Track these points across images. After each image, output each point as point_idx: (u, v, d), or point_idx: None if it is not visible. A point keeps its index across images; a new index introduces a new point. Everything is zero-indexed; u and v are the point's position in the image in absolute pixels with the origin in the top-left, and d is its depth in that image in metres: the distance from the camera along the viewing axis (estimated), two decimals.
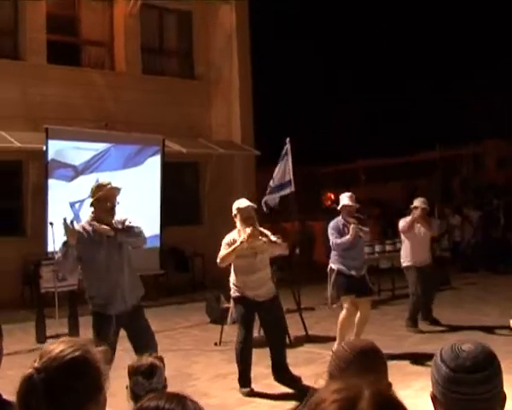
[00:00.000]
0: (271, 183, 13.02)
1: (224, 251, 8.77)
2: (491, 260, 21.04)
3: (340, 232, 10.40)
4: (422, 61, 43.11)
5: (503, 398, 2.35)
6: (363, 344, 3.15)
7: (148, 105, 18.90)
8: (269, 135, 18.35)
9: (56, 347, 2.25)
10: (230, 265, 8.98)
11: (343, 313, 10.29)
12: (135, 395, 4.14)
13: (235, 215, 8.89)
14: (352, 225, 10.32)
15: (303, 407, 1.54)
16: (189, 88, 20.64)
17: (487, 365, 2.34)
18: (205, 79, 21.20)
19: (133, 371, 4.24)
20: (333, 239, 10.41)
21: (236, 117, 20.95)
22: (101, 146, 16.39)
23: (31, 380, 2.14)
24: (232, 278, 8.99)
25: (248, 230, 8.60)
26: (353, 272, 10.34)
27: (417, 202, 12.39)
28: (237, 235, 8.80)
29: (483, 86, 38.99)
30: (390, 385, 3.01)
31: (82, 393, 2.17)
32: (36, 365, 2.19)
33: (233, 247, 8.68)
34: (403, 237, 12.55)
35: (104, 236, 7.36)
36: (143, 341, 7.35)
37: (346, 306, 10.31)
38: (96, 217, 7.44)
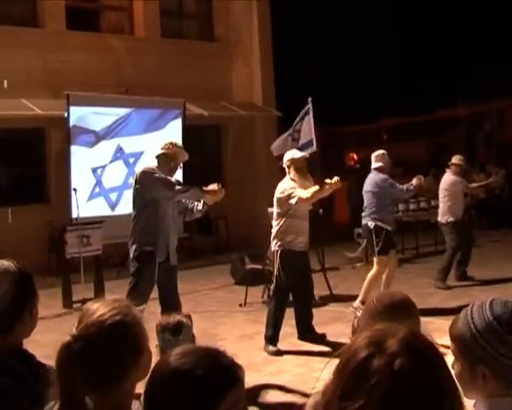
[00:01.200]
0: (297, 141, 12.91)
1: (308, 191, 8.57)
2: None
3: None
4: (446, 19, 42.59)
5: None
6: (393, 297, 3.09)
7: (168, 69, 18.83)
8: (290, 95, 18.22)
9: (96, 310, 2.22)
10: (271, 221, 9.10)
11: (375, 270, 10.39)
12: (163, 352, 4.19)
13: (289, 166, 8.94)
14: (415, 178, 10.56)
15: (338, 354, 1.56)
16: (209, 50, 20.52)
17: None
18: (225, 40, 21.08)
19: (161, 329, 4.30)
20: (398, 188, 10.56)
21: (257, 78, 20.84)
22: (122, 111, 16.39)
23: (68, 348, 2.13)
24: (280, 231, 8.89)
25: (331, 180, 8.57)
26: (390, 228, 10.51)
27: (455, 159, 12.55)
28: (292, 183, 8.79)
29: (505, 42, 38.52)
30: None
31: (122, 359, 2.17)
32: (74, 332, 2.17)
33: (320, 189, 8.56)
34: (445, 193, 12.51)
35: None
36: (170, 297, 7.54)
37: (379, 264, 10.38)
38: (159, 170, 7.65)
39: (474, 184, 13.65)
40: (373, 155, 10.89)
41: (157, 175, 7.65)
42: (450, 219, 12.35)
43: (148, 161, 15.86)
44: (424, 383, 1.40)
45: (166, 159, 7.74)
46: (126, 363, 2.18)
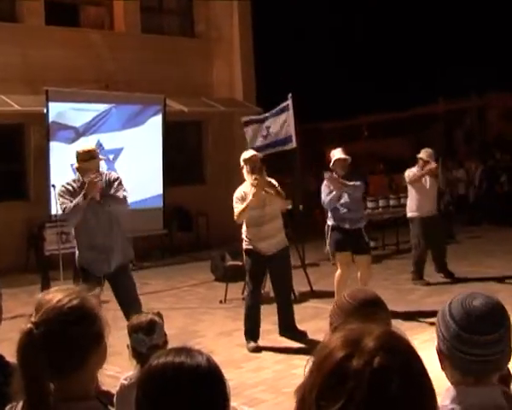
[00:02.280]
0: (264, 137, 12.85)
1: (238, 207, 8.69)
2: (494, 213, 21.04)
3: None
4: (426, 15, 42.71)
5: (510, 351, 2.30)
6: (365, 294, 3.12)
7: (148, 64, 18.74)
8: (271, 91, 18.20)
9: (53, 297, 2.22)
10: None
11: (337, 272, 10.07)
12: (137, 353, 4.16)
13: (243, 167, 8.88)
14: (330, 175, 10.10)
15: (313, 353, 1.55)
16: (190, 46, 20.46)
17: (500, 325, 2.26)
18: (205, 36, 21.02)
19: (133, 329, 4.25)
20: (323, 198, 10.14)
21: (238, 74, 20.81)
22: (101, 107, 16.30)
23: (30, 335, 2.12)
24: (244, 231, 8.95)
25: (253, 178, 8.53)
26: (347, 226, 10.01)
27: (423, 154, 12.35)
28: (247, 188, 8.74)
29: (485, 38, 38.71)
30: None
31: (82, 342, 2.16)
32: (33, 319, 2.16)
33: (245, 203, 8.59)
34: (409, 187, 12.50)
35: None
36: (127, 299, 7.44)
37: (339, 263, 10.09)
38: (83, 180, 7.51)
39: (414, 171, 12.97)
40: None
41: (59, 198, 7.55)
42: (411, 214, 12.32)
43: (128, 157, 15.86)
44: (402, 380, 1.40)
45: (85, 171, 7.53)
46: (88, 347, 2.18)
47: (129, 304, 7.24)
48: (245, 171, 8.84)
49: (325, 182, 10.21)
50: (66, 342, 2.14)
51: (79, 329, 2.16)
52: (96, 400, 2.25)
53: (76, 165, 7.54)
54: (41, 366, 2.09)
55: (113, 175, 7.86)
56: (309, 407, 1.44)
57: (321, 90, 39.78)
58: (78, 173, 7.61)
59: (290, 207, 9.41)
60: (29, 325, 2.14)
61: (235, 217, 8.71)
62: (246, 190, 8.76)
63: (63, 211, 7.54)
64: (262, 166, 8.94)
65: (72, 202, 7.38)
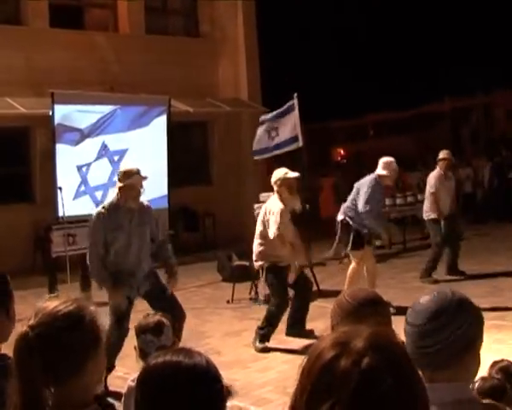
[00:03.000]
0: (272, 139, 12.85)
1: (280, 232, 8.65)
2: (501, 211, 20.98)
3: (376, 194, 10.38)
4: (433, 15, 42.64)
5: (465, 347, 2.26)
6: (365, 294, 3.11)
7: (153, 65, 18.75)
8: (277, 92, 18.19)
9: (50, 303, 2.24)
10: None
11: (353, 266, 10.39)
12: (144, 354, 4.13)
13: (280, 185, 8.85)
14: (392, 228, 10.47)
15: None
16: (195, 46, 20.46)
17: (431, 318, 2.26)
18: (210, 36, 21.02)
19: (141, 330, 4.24)
20: (367, 203, 10.22)
21: (243, 74, 20.80)
22: (106, 108, 16.31)
23: (26, 338, 2.13)
24: (264, 247, 8.88)
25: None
26: (366, 231, 10.38)
27: (443, 154, 12.60)
28: (281, 204, 8.75)
29: (490, 36, 38.63)
30: (393, 333, 2.99)
31: (78, 348, 2.17)
32: (30, 322, 2.17)
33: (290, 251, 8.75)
34: (429, 189, 12.55)
35: (127, 220, 7.37)
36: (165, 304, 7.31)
37: (355, 260, 10.39)
38: (122, 201, 7.42)
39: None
40: (380, 161, 10.72)
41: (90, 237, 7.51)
42: (432, 215, 12.40)
43: (133, 158, 15.86)
44: (391, 381, 1.39)
45: (127, 190, 7.42)
46: (84, 353, 2.18)
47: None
48: (282, 188, 8.83)
49: (372, 184, 10.33)
50: (61, 347, 2.14)
51: (75, 334, 2.17)
52: (94, 405, 2.25)
53: (119, 184, 7.46)
54: (36, 370, 2.09)
55: (152, 210, 7.83)
56: None
57: (327, 89, 39.78)
58: (117, 193, 7.50)
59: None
60: (25, 328, 2.16)
61: (278, 231, 8.64)
62: (278, 210, 8.73)
63: (91, 250, 7.44)
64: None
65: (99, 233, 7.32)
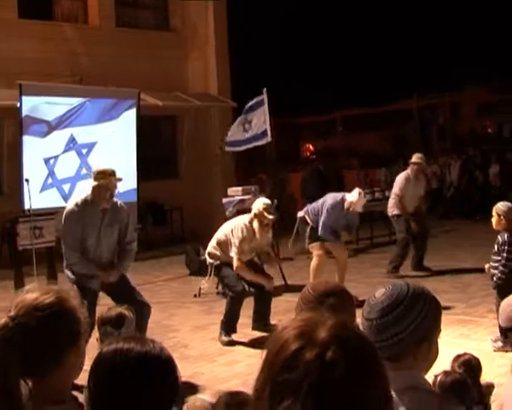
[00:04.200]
0: (246, 131, 12.88)
1: (240, 263, 8.78)
2: (467, 208, 21.21)
3: (335, 214, 10.54)
4: (402, 11, 42.87)
5: (421, 338, 2.29)
6: (327, 285, 3.14)
7: (122, 59, 18.67)
8: (247, 87, 18.21)
9: (31, 294, 2.23)
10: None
11: (313, 261, 10.62)
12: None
13: (256, 215, 8.88)
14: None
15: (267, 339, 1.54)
16: (165, 40, 20.40)
17: (385, 313, 2.29)
18: (180, 30, 20.97)
19: (102, 322, 4.25)
20: (325, 224, 10.46)
21: (213, 69, 20.78)
22: (75, 101, 16.18)
23: (5, 329, 2.12)
24: (217, 253, 9.01)
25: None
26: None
27: (415, 158, 12.72)
28: (248, 231, 8.83)
29: (460, 34, 38.92)
30: (357, 326, 3.02)
31: (58, 339, 2.16)
32: (11, 314, 2.17)
33: (252, 276, 8.91)
34: (395, 191, 12.66)
35: (98, 219, 7.41)
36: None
37: (315, 254, 10.59)
38: (94, 200, 7.43)
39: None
40: (356, 190, 10.88)
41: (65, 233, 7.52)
42: (395, 211, 12.52)
43: (102, 151, 15.73)
44: (355, 373, 1.39)
45: (100, 190, 7.46)
46: (64, 345, 2.18)
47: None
48: (255, 219, 8.86)
49: (332, 206, 10.52)
50: (41, 339, 2.13)
51: (55, 327, 2.16)
52: (72, 402, 2.25)
53: (94, 183, 7.47)
54: (13, 361, 2.07)
55: (127, 213, 7.84)
56: (263, 407, 1.42)
57: (296, 85, 39.86)
58: (91, 191, 7.51)
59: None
60: (5, 319, 2.14)
61: (237, 268, 8.80)
62: (246, 233, 8.82)
63: (65, 241, 7.45)
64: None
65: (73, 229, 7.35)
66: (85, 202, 7.44)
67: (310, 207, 10.88)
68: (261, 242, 9.05)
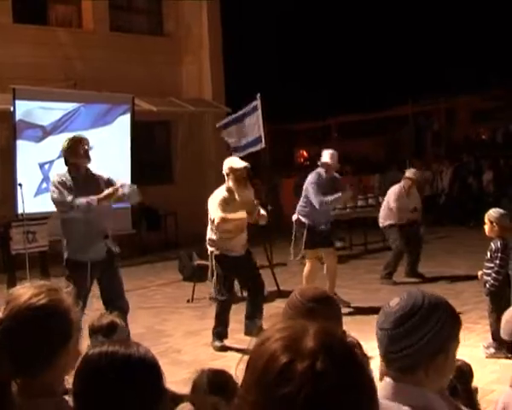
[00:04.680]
0: (237, 140, 12.88)
1: (222, 213, 8.52)
2: (461, 214, 21.24)
3: (321, 187, 10.39)
4: (397, 17, 42.93)
5: (437, 350, 2.23)
6: (314, 291, 3.14)
7: (117, 63, 18.68)
8: (241, 92, 18.21)
9: (23, 293, 2.21)
10: (208, 223, 8.94)
11: (306, 267, 10.54)
12: None
13: (228, 174, 8.64)
14: (347, 192, 10.78)
15: (249, 346, 1.53)
16: (159, 45, 20.42)
17: (400, 322, 2.24)
18: (174, 35, 20.99)
19: (93, 331, 4.24)
20: (317, 199, 10.28)
21: (207, 74, 20.81)
22: (70, 106, 16.17)
23: None
24: (214, 236, 8.83)
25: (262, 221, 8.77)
26: (323, 227, 10.50)
27: (409, 174, 12.85)
28: (227, 193, 8.59)
29: (456, 41, 39.01)
30: (344, 333, 3.02)
31: (50, 340, 2.15)
32: (1, 315, 2.16)
33: (235, 216, 8.52)
34: (386, 204, 12.68)
35: (86, 186, 7.50)
36: (113, 295, 7.42)
37: (309, 260, 10.52)
38: (73, 165, 7.56)
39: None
40: (324, 151, 10.82)
41: (57, 187, 7.53)
42: (387, 222, 12.55)
43: (96, 156, 15.64)
44: (344, 382, 1.39)
45: (73, 150, 7.59)
46: (54, 345, 2.17)
47: (115, 299, 7.27)
48: (230, 178, 8.61)
49: (315, 179, 10.41)
50: (32, 339, 2.13)
51: (46, 328, 2.15)
52: (63, 397, 2.24)
53: (72, 160, 7.54)
54: (4, 363, 2.06)
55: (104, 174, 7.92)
56: None
57: (291, 91, 39.89)
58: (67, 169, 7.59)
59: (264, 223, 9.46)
60: None
61: (219, 219, 8.50)
62: (225, 195, 8.61)
63: (62, 202, 7.44)
64: (247, 177, 8.85)
65: (68, 195, 7.38)
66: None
67: (298, 206, 10.79)
68: (244, 200, 8.63)
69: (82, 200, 7.34)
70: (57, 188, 7.48)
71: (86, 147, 7.64)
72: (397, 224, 12.45)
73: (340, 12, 43.45)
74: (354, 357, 1.47)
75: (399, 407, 2.15)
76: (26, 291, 2.21)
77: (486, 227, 7.83)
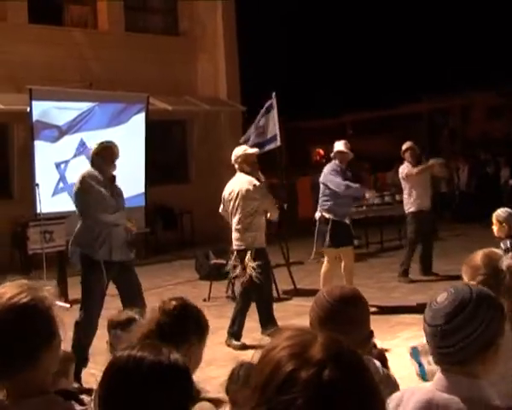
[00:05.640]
0: (255, 137, 12.87)
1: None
2: (478, 212, 21.11)
3: (340, 174, 10.30)
4: (410, 14, 42.79)
5: (487, 344, 2.27)
6: (343, 291, 3.10)
7: (132, 63, 18.72)
8: (255, 90, 18.20)
9: (4, 292, 2.20)
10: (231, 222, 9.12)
11: (325, 266, 10.34)
12: (114, 349, 4.16)
13: (241, 162, 8.95)
14: (372, 190, 11.01)
15: (256, 353, 1.52)
16: (174, 45, 20.45)
17: (449, 318, 2.26)
18: (189, 34, 21.01)
19: (112, 325, 4.26)
20: (339, 182, 10.17)
21: (222, 73, 20.81)
22: (85, 105, 16.23)
23: None
24: (246, 232, 8.90)
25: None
26: (347, 220, 10.35)
27: (405, 145, 12.52)
28: (253, 179, 8.87)
29: (471, 37, 38.83)
30: (372, 333, 3.01)
31: (32, 340, 2.14)
32: None
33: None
34: (404, 183, 12.48)
35: (115, 192, 7.66)
36: (131, 294, 7.45)
37: (327, 258, 10.36)
38: (100, 169, 7.61)
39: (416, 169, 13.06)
40: (337, 142, 10.64)
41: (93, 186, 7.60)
42: (413, 208, 12.35)
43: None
44: (352, 391, 1.39)
45: (104, 157, 7.67)
46: (38, 345, 2.15)
47: (133, 299, 7.31)
48: (245, 165, 8.95)
49: (332, 167, 10.35)
50: (13, 339, 2.11)
51: (28, 328, 2.14)
52: (52, 394, 2.23)
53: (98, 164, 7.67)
54: None
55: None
56: None
57: (305, 88, 39.82)
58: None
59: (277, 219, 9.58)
60: None
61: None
62: (254, 181, 8.86)
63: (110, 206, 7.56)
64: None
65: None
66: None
67: (319, 203, 10.56)
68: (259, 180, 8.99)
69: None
70: (99, 188, 7.55)
71: (114, 155, 7.65)
72: (414, 211, 12.28)
73: (355, 8, 43.35)
74: (362, 365, 1.47)
75: (454, 399, 2.17)
76: (6, 290, 2.20)
77: (495, 228, 7.70)
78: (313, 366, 1.39)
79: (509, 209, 7.78)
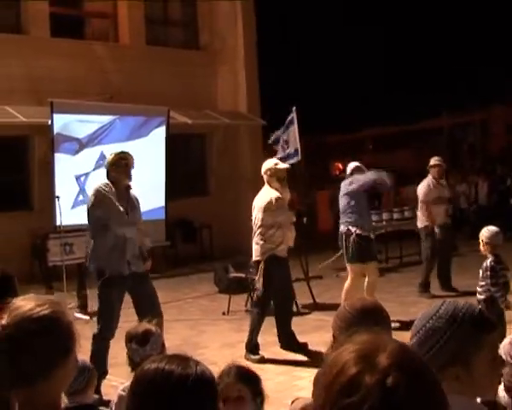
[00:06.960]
0: (283, 149, 12.88)
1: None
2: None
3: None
4: (430, 30, 42.77)
5: (449, 360, 2.23)
6: (365, 304, 3.11)
7: (152, 76, 18.80)
8: (275, 104, 18.23)
9: (26, 304, 2.20)
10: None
11: (349, 282, 10.10)
12: (132, 362, 4.21)
13: (271, 175, 8.90)
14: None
15: (322, 363, 1.54)
16: (194, 58, 20.52)
17: (413, 334, 2.30)
18: (210, 48, 21.08)
19: (129, 338, 4.30)
20: (364, 175, 10.17)
21: (242, 86, 20.84)
22: (105, 118, 16.33)
23: None
24: (266, 236, 8.85)
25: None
26: (372, 235, 10.25)
27: (434, 161, 12.51)
28: (277, 194, 8.85)
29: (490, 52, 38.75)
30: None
31: (48, 354, 2.14)
32: (3, 322, 2.15)
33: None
34: (420, 199, 12.48)
35: (129, 204, 7.69)
36: (145, 305, 7.46)
37: (352, 274, 10.10)
38: (115, 179, 7.68)
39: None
40: (353, 164, 10.58)
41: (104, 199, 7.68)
42: (425, 223, 12.32)
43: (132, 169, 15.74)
44: (416, 399, 1.38)
45: (118, 166, 7.72)
46: (54, 359, 2.15)
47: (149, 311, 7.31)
48: (274, 179, 8.92)
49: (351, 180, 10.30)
50: (31, 350, 2.11)
51: (46, 340, 2.13)
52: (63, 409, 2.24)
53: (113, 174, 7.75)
54: (3, 374, 2.08)
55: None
56: None
57: (325, 103, 39.85)
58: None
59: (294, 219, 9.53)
60: None
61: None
62: (277, 196, 8.86)
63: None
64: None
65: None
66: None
67: (341, 217, 10.32)
68: (284, 197, 9.00)
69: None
70: (111, 201, 7.58)
71: (128, 165, 7.68)
72: (430, 226, 12.24)
73: (374, 24, 43.37)
74: (429, 375, 1.47)
75: None
76: (29, 302, 2.21)
77: (481, 246, 7.82)
78: (378, 372, 1.39)
79: (494, 228, 7.85)
